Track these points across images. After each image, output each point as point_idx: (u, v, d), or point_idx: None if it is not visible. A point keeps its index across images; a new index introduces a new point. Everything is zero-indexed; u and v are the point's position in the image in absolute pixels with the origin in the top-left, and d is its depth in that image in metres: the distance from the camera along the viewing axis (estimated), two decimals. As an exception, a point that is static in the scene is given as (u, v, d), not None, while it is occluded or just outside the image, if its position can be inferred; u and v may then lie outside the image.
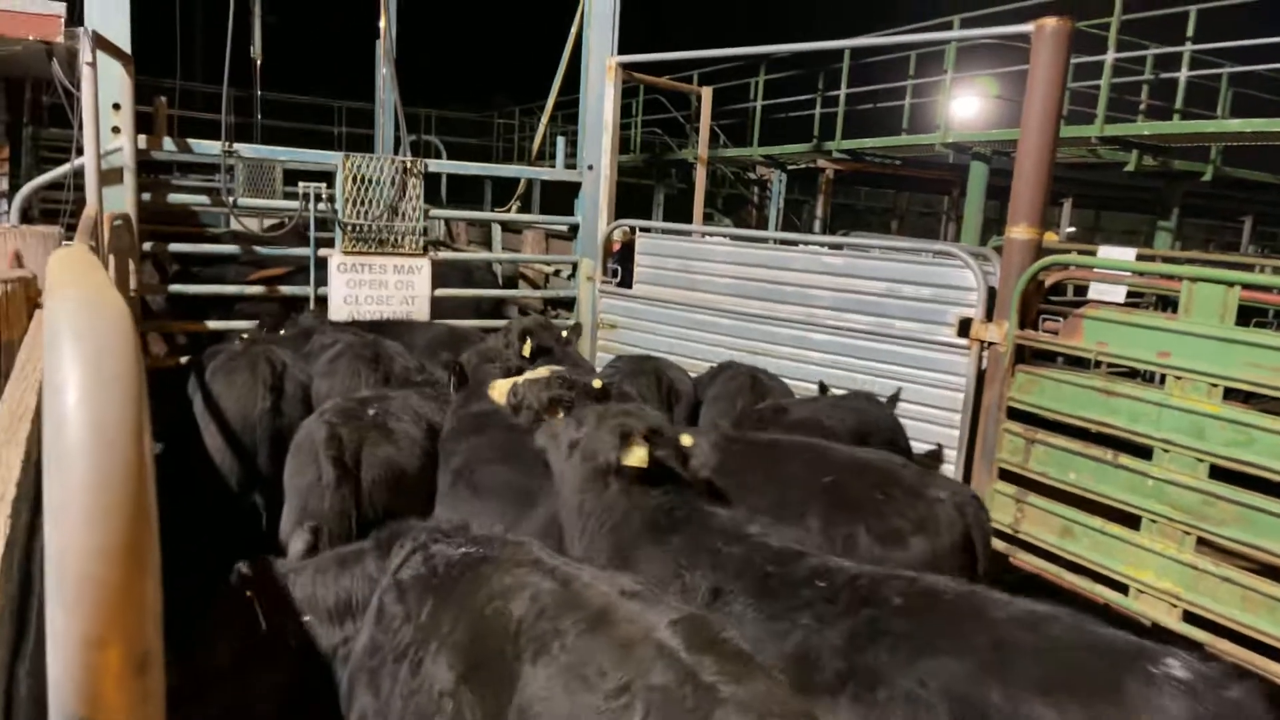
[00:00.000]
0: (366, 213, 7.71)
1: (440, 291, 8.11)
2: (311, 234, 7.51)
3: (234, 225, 7.97)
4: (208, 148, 7.32)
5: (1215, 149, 12.95)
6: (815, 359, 6.95)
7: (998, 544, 5.79)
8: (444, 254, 8.81)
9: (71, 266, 1.22)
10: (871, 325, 6.64)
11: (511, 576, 2.44)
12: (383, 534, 3.01)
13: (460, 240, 13.43)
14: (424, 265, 7.95)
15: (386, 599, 2.65)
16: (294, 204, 7.57)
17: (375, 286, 7.79)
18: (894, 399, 6.11)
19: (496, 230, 11.81)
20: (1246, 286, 4.79)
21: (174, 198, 7.66)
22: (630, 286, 8.31)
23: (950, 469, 6.21)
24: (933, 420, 6.31)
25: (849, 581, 2.46)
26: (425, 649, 2.41)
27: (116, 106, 6.61)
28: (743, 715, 1.78)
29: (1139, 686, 1.87)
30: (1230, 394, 4.69)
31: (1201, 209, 18.71)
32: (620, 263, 8.51)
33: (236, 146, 7.41)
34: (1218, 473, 4.68)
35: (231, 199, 7.42)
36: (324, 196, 7.53)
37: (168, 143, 7.15)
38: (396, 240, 7.87)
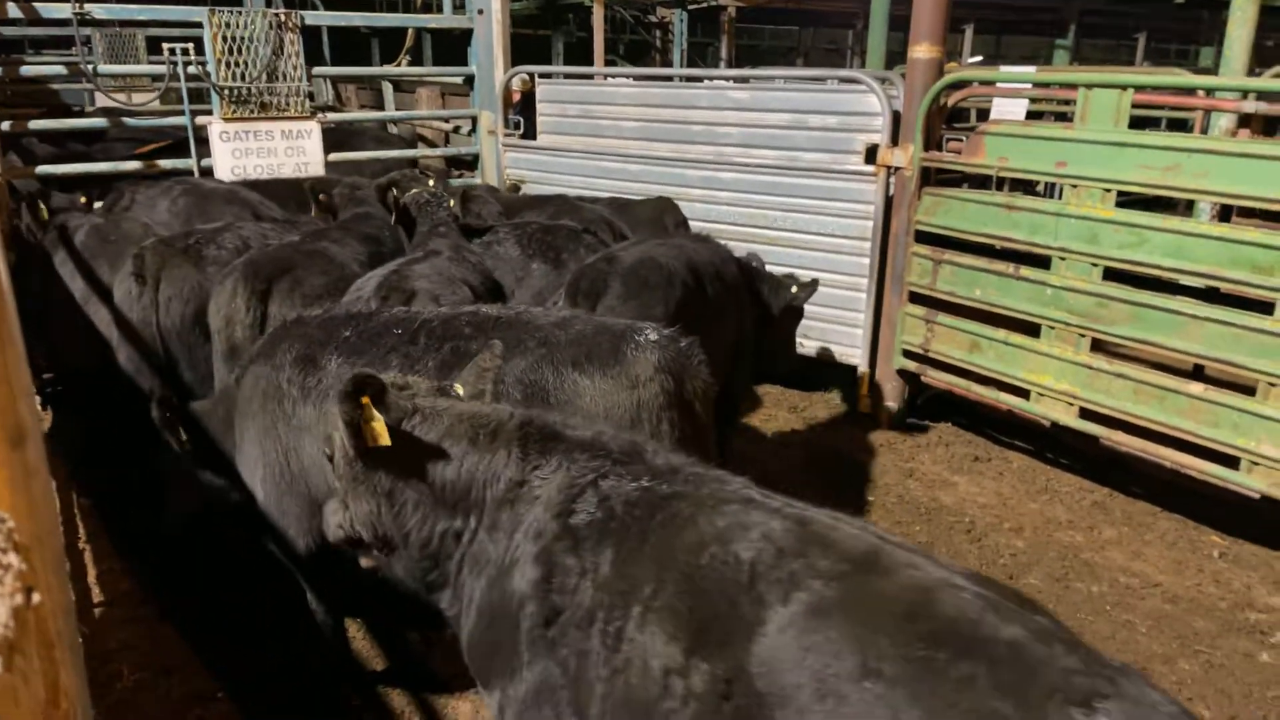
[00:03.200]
0: (243, 74, 7.18)
1: (335, 156, 7.71)
2: (185, 101, 6.99)
3: (101, 102, 7.37)
4: (55, 10, 6.64)
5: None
6: (725, 198, 6.90)
7: (909, 364, 6.02)
8: (335, 116, 8.33)
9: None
10: (780, 160, 6.59)
11: (724, 516, 1.98)
12: (530, 428, 2.27)
13: (351, 105, 12.73)
14: (313, 129, 7.51)
15: (557, 549, 2.08)
16: (160, 68, 7.01)
17: (264, 155, 7.36)
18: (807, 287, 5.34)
19: (388, 90, 11.21)
20: (1139, 88, 4.87)
21: (27, 70, 7.00)
22: (534, 138, 8.04)
23: (862, 297, 6.36)
24: (843, 250, 6.39)
25: (423, 324, 2.85)
26: (623, 615, 1.94)
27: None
28: (1135, 708, 1.43)
29: (631, 350, 2.69)
30: (1120, 198, 4.86)
31: (1097, 28, 18.85)
32: (522, 114, 8.20)
33: (88, 7, 6.74)
34: (1111, 275, 4.89)
35: (90, 67, 6.81)
36: (193, 59, 6.97)
37: (11, 9, 6.46)
38: (280, 103, 7.39)
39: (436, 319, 2.95)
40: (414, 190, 4.97)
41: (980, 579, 1.72)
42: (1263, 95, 5.98)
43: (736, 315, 4.77)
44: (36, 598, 0.67)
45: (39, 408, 5.41)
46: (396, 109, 11.00)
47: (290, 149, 7.41)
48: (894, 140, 5.95)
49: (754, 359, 5.02)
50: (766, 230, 6.69)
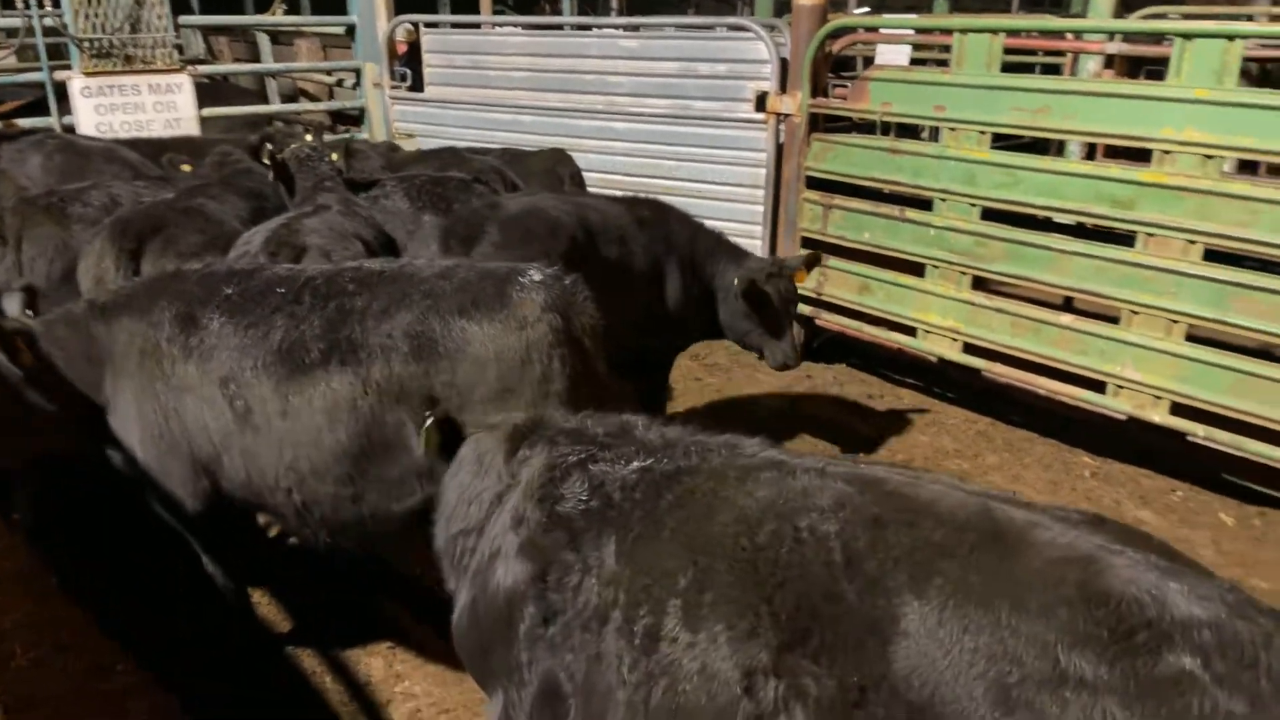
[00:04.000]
0: (103, 25, 6.74)
1: (208, 111, 7.34)
2: (42, 57, 6.53)
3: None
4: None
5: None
6: (618, 148, 6.89)
7: (804, 308, 6.18)
8: (207, 69, 7.90)
9: None
10: (672, 109, 6.60)
11: (763, 485, 1.74)
12: (517, 427, 2.20)
13: (224, 58, 12.07)
14: (184, 82, 7.12)
15: (549, 543, 1.89)
16: (15, 21, 6.51)
17: (131, 110, 6.95)
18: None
19: (264, 41, 10.67)
20: (1009, 33, 5.06)
21: None
22: (422, 90, 7.82)
23: (757, 245, 6.46)
24: (737, 198, 6.47)
25: (307, 282, 2.83)
26: (655, 612, 1.70)
27: None
28: None
29: (516, 292, 2.71)
30: (999, 141, 5.07)
31: (976, -23, 19.32)
32: (409, 65, 7.96)
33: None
34: (990, 215, 5.12)
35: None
36: (49, 11, 6.50)
37: None
38: (146, 56, 6.97)
39: (320, 276, 2.89)
40: (293, 145, 4.80)
41: (1110, 529, 1.51)
42: (1127, 37, 6.29)
43: (650, 283, 4.48)
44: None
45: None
46: (275, 62, 10.50)
47: (159, 104, 7.02)
48: (783, 87, 6.03)
49: (684, 334, 4.81)
50: (661, 180, 6.71)
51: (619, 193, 5.14)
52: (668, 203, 4.77)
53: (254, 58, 11.34)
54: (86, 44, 6.70)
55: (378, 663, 3.47)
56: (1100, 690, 1.29)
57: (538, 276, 2.79)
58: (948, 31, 5.27)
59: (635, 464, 1.93)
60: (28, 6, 6.45)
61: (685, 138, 6.57)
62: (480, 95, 7.50)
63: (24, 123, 6.68)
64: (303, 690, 3.34)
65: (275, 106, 8.13)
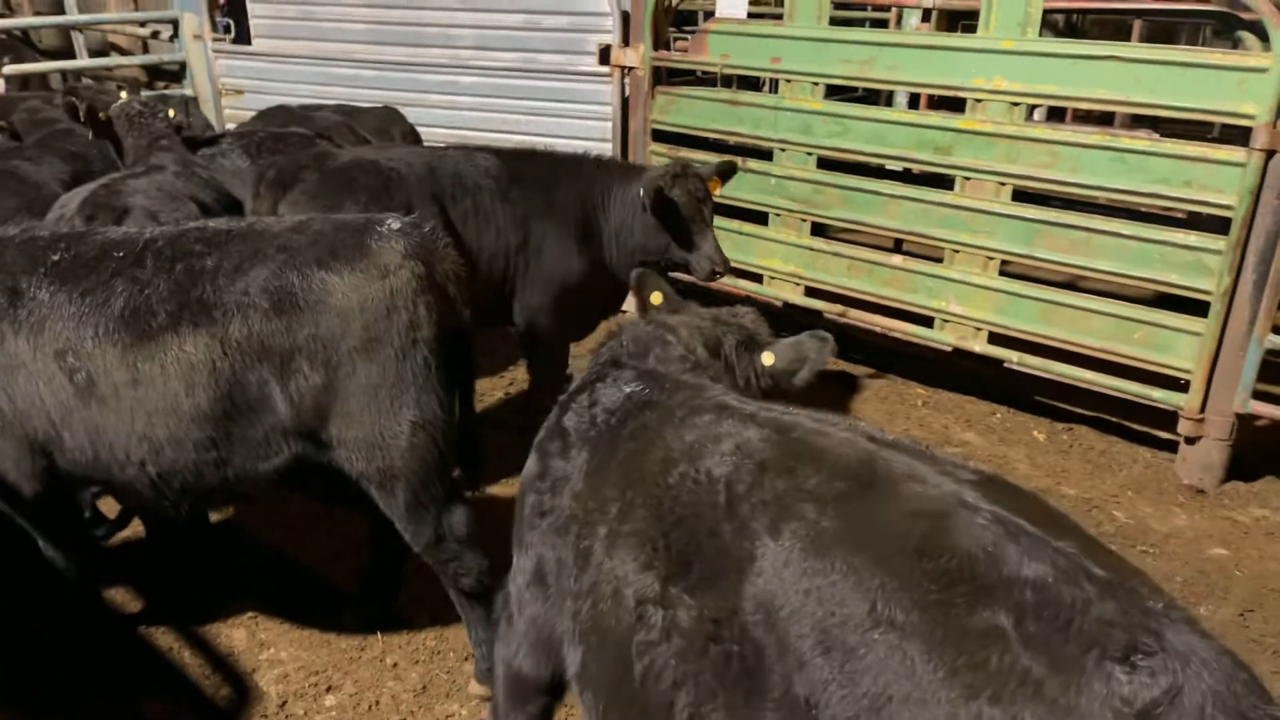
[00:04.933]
0: None
1: (10, 69, 6.72)
2: None
3: None
4: None
5: None
6: (465, 103, 6.78)
7: (655, 259, 6.32)
8: (6, 23, 7.21)
9: None
10: (517, 62, 6.53)
11: (694, 429, 1.82)
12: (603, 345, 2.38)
13: (23, 10, 10.99)
14: (-24, 35, 6.49)
15: (551, 448, 2.09)
16: None
17: (-86, 68, 6.29)
18: None
19: (67, -10, 9.79)
20: (838, -12, 5.29)
21: None
22: (249, 43, 7.41)
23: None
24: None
25: (147, 244, 2.71)
26: (591, 535, 1.85)
27: None
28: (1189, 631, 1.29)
29: (375, 241, 2.70)
30: (831, 91, 5.32)
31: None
32: (231, 16, 7.50)
33: None
34: (825, 165, 5.37)
35: None
36: None
37: None
38: (-73, 6, 6.31)
39: (162, 238, 2.75)
40: (121, 101, 4.48)
41: (995, 489, 1.54)
42: (944, -6, 6.66)
43: (505, 240, 4.30)
44: None
45: None
46: (80, 14, 9.66)
47: (-51, 60, 6.38)
48: (625, 41, 6.08)
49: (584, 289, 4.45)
50: (510, 135, 6.65)
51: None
52: (532, 147, 4.61)
53: (58, 10, 10.39)
54: None
55: (240, 633, 3.41)
56: (907, 634, 1.36)
57: (396, 225, 2.76)
58: (781, -15, 5.44)
59: (625, 389, 2.06)
60: None
61: (531, 91, 6.53)
62: (315, 49, 7.18)
63: None
64: (160, 666, 3.25)
65: (84, 61, 7.50)
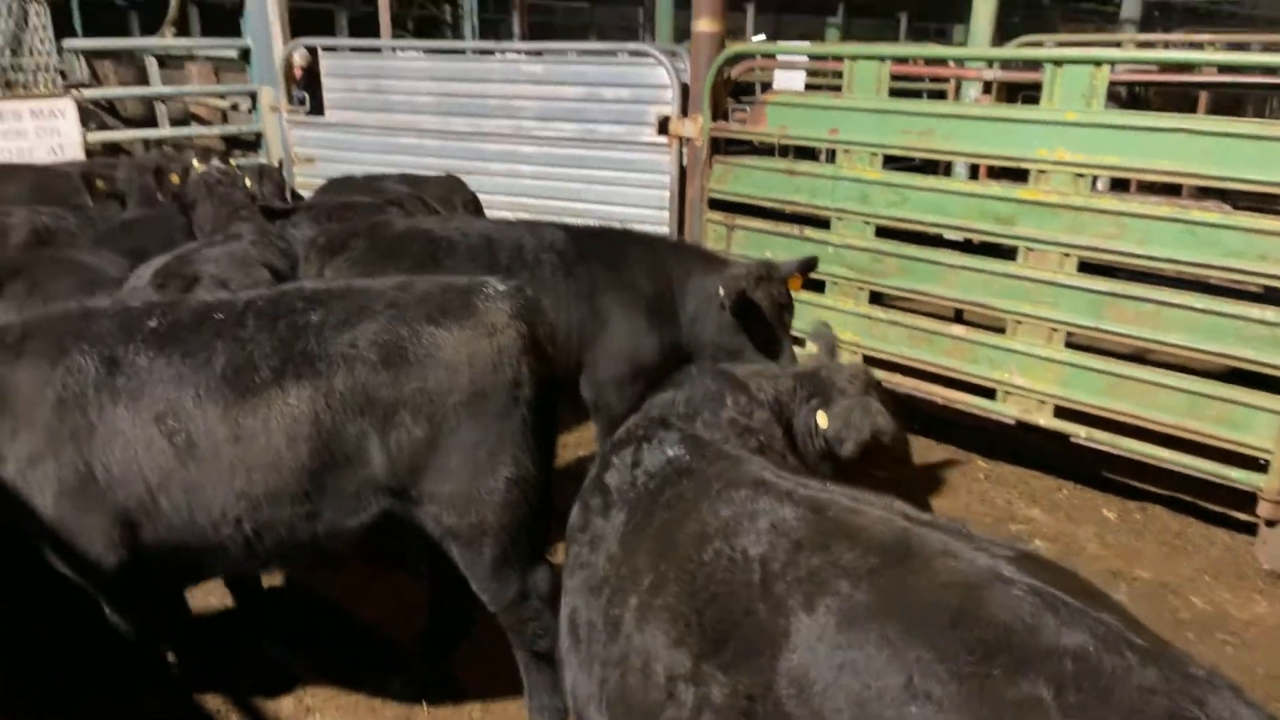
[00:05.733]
0: (-22, 47, 6.44)
1: (95, 136, 7.08)
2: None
3: None
4: None
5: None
6: (525, 172, 6.93)
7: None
8: (94, 92, 7.63)
9: None
10: (577, 132, 6.69)
11: (729, 504, 1.82)
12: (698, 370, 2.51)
13: (110, 82, 11.62)
14: (68, 107, 6.85)
15: (592, 503, 2.10)
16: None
17: (12, 136, 6.64)
18: None
19: (152, 65, 10.31)
20: (896, 60, 5.33)
21: None
22: (321, 114, 7.71)
23: (663, 264, 6.57)
24: (642, 220, 6.55)
25: (247, 305, 2.75)
26: (622, 604, 1.84)
27: None
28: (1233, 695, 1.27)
29: (482, 301, 2.73)
30: (889, 161, 5.32)
31: (864, 8, 20.22)
32: (307, 89, 7.83)
33: None
34: (883, 232, 5.35)
35: None
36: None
37: None
38: (27, 81, 6.69)
39: (261, 299, 2.79)
40: (202, 170, 4.63)
41: (1031, 563, 1.52)
42: (1004, 64, 6.68)
43: (567, 315, 4.19)
44: None
45: None
46: (163, 86, 10.17)
47: (42, 130, 6.74)
48: (684, 112, 6.18)
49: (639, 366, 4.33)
50: (568, 203, 6.77)
51: (528, 217, 5.16)
52: (605, 224, 4.56)
53: (141, 80, 10.96)
54: (-40, 67, 6.39)
55: (287, 701, 3.38)
56: (944, 707, 1.33)
57: (500, 287, 2.81)
58: (839, 58, 5.51)
59: (667, 452, 2.06)
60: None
61: (591, 161, 6.66)
62: (383, 119, 7.44)
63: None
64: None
65: (166, 130, 7.88)
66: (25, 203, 5.12)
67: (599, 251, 4.34)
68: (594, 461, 2.34)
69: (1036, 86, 5.22)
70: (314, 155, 7.80)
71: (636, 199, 6.58)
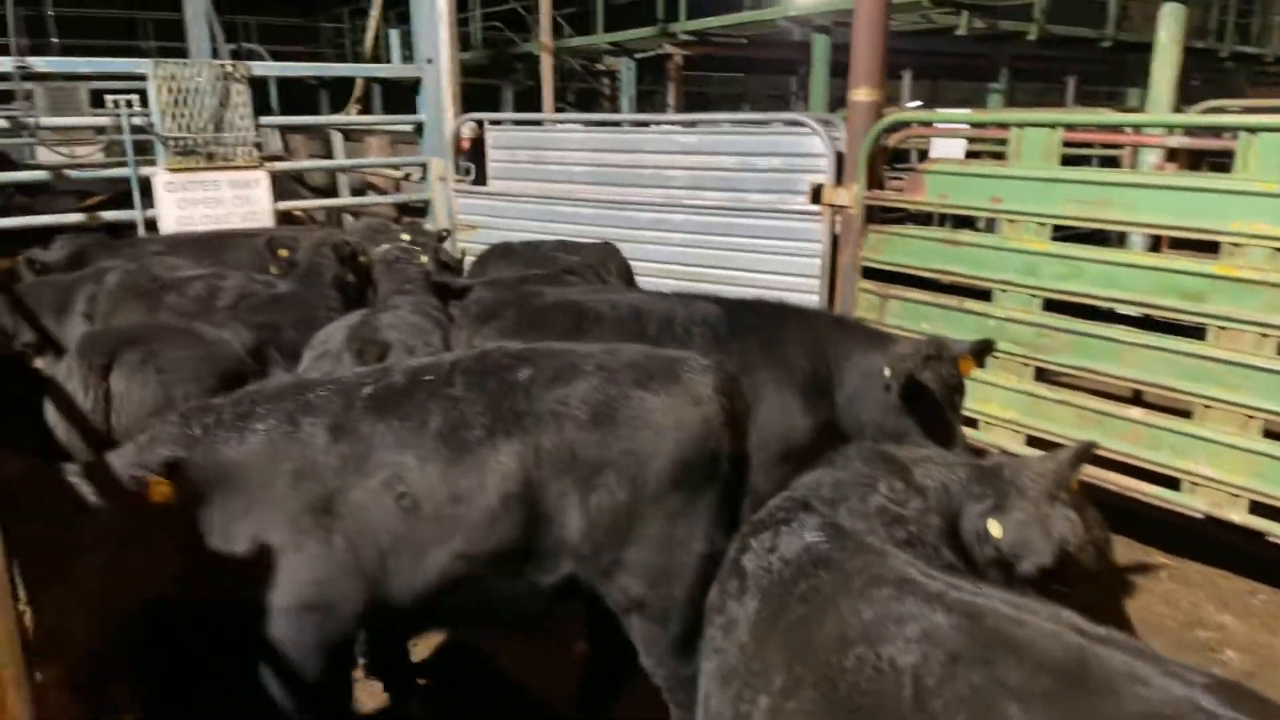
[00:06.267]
0: (189, 125, 7.14)
1: (283, 204, 7.68)
2: (129, 153, 6.93)
3: (43, 156, 7.27)
4: (-5, 64, 6.57)
5: (1038, 7, 13.59)
6: (676, 239, 7.00)
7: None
8: (282, 165, 8.30)
9: None
10: (728, 200, 6.71)
11: (872, 604, 1.68)
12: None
13: (299, 154, 12.67)
14: (261, 178, 7.48)
15: (729, 587, 2.02)
16: (104, 120, 6.96)
17: (211, 205, 7.29)
18: None
19: (337, 139, 11.18)
20: (1068, 127, 5.08)
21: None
22: (485, 183, 8.09)
23: (813, 333, 6.44)
24: (792, 288, 6.47)
25: (452, 367, 2.79)
26: (751, 699, 1.75)
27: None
28: None
29: (687, 373, 2.76)
30: (1058, 232, 5.04)
31: (1028, 72, 19.55)
32: (472, 160, 8.25)
33: (29, 60, 6.68)
34: (1051, 306, 5.05)
35: (33, 121, 6.73)
36: (138, 110, 6.93)
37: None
38: (227, 154, 7.36)
39: (467, 358, 2.87)
40: (385, 247, 4.84)
41: (1234, 694, 1.36)
42: (1188, 131, 6.26)
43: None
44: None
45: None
46: (346, 158, 10.98)
47: (237, 198, 7.37)
48: (838, 180, 6.10)
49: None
50: (718, 270, 6.77)
51: (675, 284, 5.18)
52: (761, 298, 4.45)
53: (326, 152, 11.89)
54: (172, 142, 7.10)
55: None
56: None
57: (704, 362, 2.86)
58: (1004, 125, 5.31)
59: (806, 539, 1.96)
60: (117, 106, 6.89)
61: (741, 229, 6.65)
62: (541, 189, 7.73)
63: (107, 215, 7.07)
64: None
65: (345, 199, 8.47)
66: (246, 268, 5.47)
67: (753, 326, 4.20)
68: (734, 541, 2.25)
69: (1219, 155, 4.85)
70: (476, 223, 8.16)
71: (787, 267, 6.51)
